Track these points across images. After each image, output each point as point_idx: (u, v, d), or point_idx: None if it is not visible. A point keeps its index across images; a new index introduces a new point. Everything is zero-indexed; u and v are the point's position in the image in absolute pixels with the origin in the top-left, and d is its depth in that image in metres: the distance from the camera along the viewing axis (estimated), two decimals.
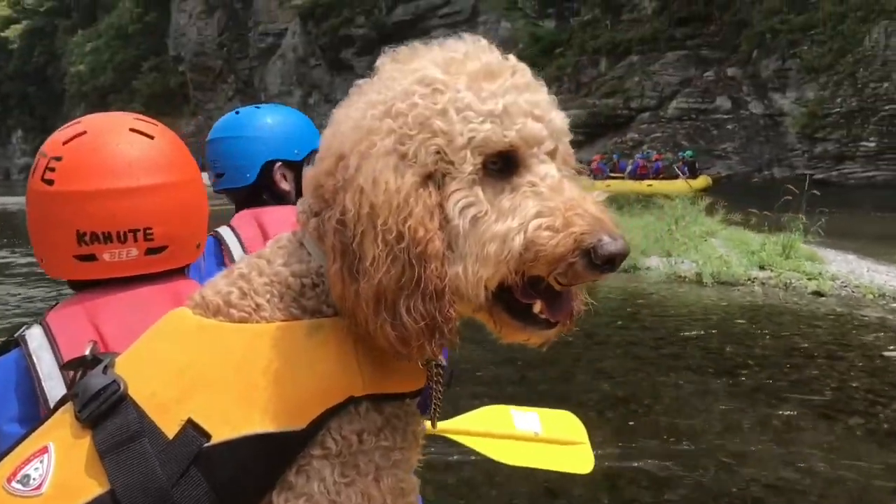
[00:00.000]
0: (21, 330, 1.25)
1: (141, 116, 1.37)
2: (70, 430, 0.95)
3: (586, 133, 37.75)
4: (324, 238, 0.94)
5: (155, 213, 1.27)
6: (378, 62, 0.98)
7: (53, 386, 1.16)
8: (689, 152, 30.76)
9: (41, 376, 1.17)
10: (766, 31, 33.02)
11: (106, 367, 0.97)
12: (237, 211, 2.14)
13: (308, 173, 1.01)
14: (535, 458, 2.23)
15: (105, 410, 0.93)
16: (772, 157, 32.79)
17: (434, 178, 0.88)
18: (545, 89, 0.96)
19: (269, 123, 2.08)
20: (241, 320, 0.96)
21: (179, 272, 1.37)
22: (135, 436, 0.91)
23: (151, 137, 1.32)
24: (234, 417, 0.90)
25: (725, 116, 34.39)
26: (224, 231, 2.01)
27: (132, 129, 1.31)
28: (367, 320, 0.88)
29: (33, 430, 0.99)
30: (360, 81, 0.98)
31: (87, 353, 1.02)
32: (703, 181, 26.63)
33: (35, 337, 1.21)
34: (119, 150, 1.26)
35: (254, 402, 0.90)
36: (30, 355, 1.18)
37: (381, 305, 0.86)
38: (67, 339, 1.19)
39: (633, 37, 38.97)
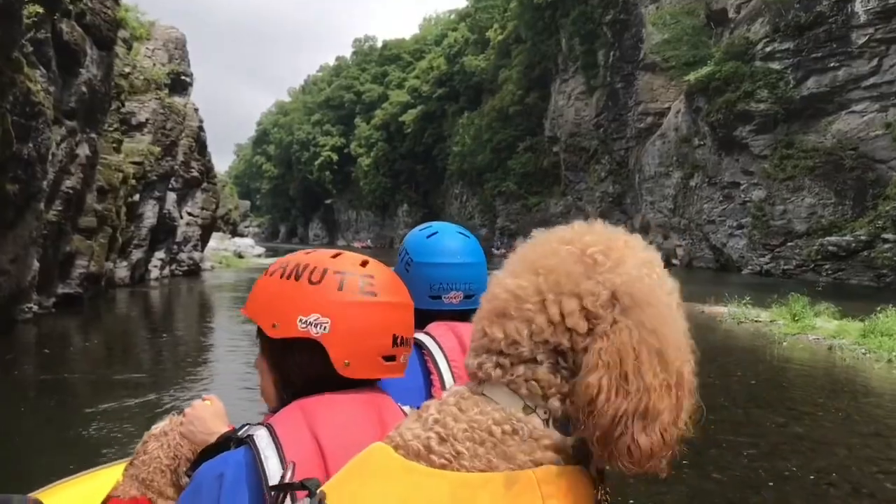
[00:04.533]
0: (244, 429, 1.38)
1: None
2: None
3: None
4: None
5: (410, 326, 1.53)
6: None
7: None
8: None
9: (268, 476, 1.25)
10: None
11: (321, 502, 1.04)
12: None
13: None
14: None
15: None
16: None
17: None
18: None
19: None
20: (442, 467, 0.97)
21: (373, 383, 1.50)
22: None
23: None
24: None
25: None
26: (423, 337, 2.05)
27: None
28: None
29: None
30: None
31: (287, 476, 1.18)
32: None
33: (262, 437, 1.30)
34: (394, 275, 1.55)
35: None
36: (258, 455, 1.27)
37: None
38: (289, 442, 1.30)
39: None
